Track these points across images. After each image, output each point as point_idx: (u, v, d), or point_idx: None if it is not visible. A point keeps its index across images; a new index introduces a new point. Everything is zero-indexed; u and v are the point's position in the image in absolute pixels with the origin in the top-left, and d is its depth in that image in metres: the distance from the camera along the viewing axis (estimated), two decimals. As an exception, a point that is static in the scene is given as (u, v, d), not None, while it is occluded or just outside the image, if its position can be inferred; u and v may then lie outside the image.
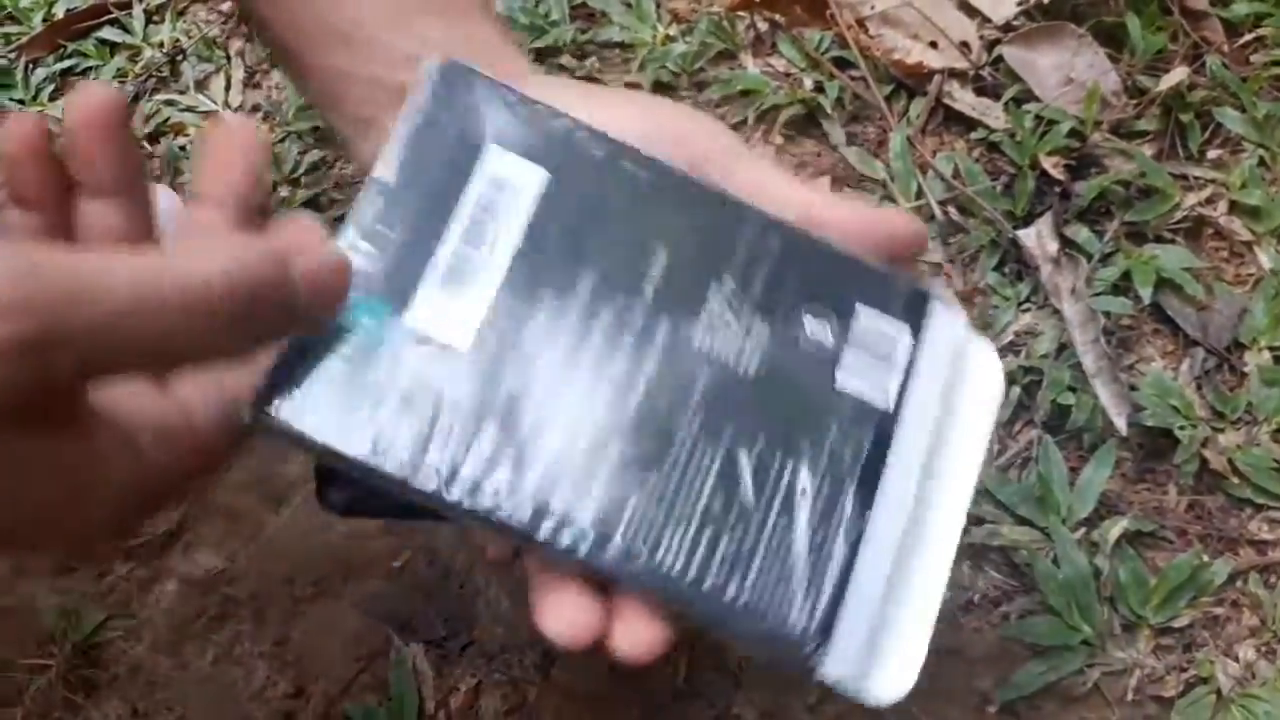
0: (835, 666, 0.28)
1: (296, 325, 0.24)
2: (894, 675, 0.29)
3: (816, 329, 0.31)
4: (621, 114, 0.33)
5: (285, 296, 0.22)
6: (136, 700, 0.56)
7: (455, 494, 0.27)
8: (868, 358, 0.31)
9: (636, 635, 0.28)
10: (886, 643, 0.29)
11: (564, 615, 0.27)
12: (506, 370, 0.29)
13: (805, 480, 0.30)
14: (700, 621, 0.28)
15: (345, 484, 0.33)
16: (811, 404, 0.30)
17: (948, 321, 0.32)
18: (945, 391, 0.31)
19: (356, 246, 0.28)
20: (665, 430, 0.29)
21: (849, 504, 0.30)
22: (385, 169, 0.29)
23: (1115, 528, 0.53)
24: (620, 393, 0.29)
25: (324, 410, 0.27)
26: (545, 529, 0.27)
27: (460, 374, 0.28)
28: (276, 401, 0.27)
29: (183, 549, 0.59)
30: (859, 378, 0.31)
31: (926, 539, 0.31)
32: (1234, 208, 0.64)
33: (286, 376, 0.27)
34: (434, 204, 0.29)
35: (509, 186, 0.30)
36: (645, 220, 0.31)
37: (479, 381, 0.28)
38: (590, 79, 0.73)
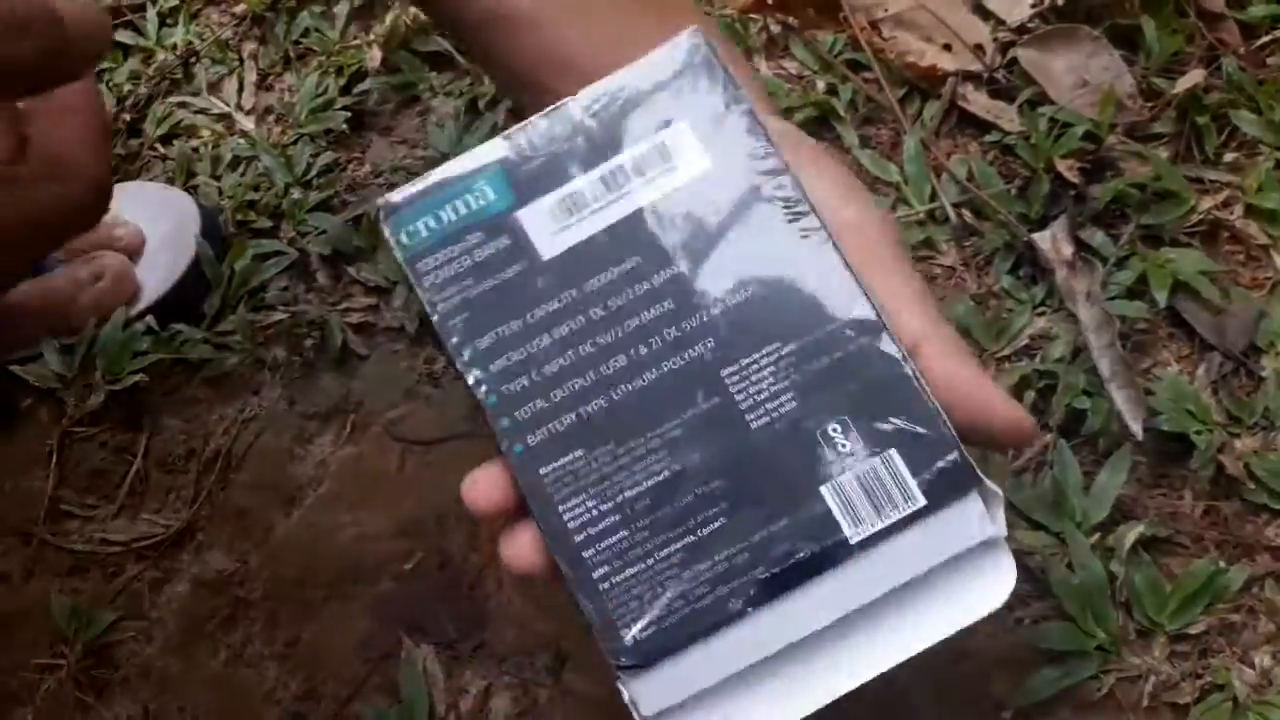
0: (638, 692, 0.30)
1: (67, 58, 0.27)
2: None
3: (840, 440, 0.31)
4: (811, 180, 0.33)
5: (53, 22, 0.26)
6: (148, 701, 0.56)
7: (465, 355, 0.31)
8: (864, 494, 0.31)
9: (517, 548, 0.31)
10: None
11: (481, 480, 0.31)
12: (560, 297, 0.32)
13: (732, 539, 0.30)
14: (561, 574, 0.31)
15: None
16: (783, 490, 0.31)
17: (978, 521, 0.31)
18: (932, 571, 0.31)
19: (520, 143, 0.33)
20: (646, 421, 0.31)
21: (753, 587, 0.30)
22: (584, 96, 0.33)
23: (1131, 533, 0.52)
24: (631, 367, 0.31)
25: (419, 235, 0.32)
26: (501, 424, 0.31)
27: (526, 278, 0.32)
28: (389, 208, 0.32)
29: (194, 550, 0.59)
30: (843, 501, 0.31)
31: (811, 670, 0.31)
32: (1250, 211, 0.63)
33: (408, 195, 0.32)
34: (602, 141, 0.33)
35: (670, 160, 0.32)
36: (758, 259, 0.32)
37: (533, 292, 0.32)
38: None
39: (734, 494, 0.31)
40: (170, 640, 0.57)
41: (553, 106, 0.33)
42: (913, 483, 0.31)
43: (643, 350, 0.31)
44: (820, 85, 0.72)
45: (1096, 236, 0.62)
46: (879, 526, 0.30)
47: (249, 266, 0.67)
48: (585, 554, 0.30)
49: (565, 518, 0.31)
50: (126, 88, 0.82)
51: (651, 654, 0.30)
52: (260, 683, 0.55)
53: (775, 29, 0.75)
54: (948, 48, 0.71)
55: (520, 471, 0.31)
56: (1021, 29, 0.71)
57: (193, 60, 0.83)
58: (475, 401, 0.32)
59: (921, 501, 0.31)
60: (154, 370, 0.64)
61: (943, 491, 0.31)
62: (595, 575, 0.30)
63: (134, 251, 0.67)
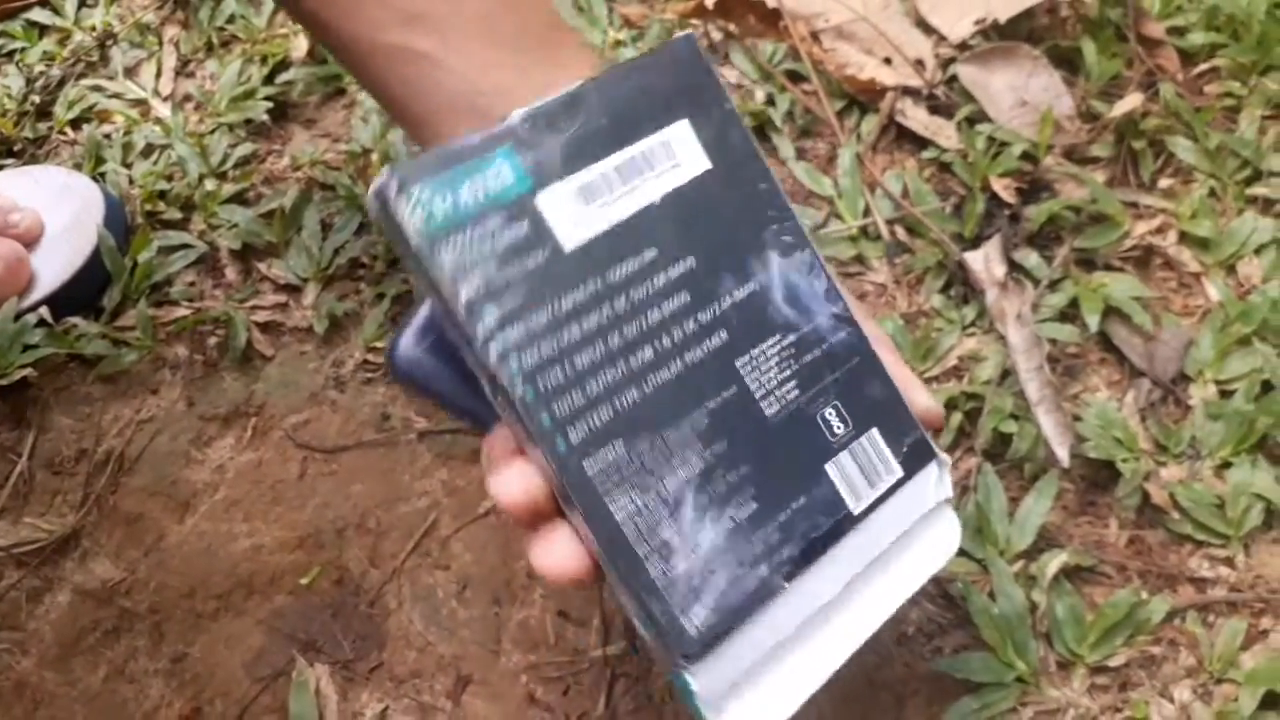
0: (698, 682, 0.31)
1: None
2: (760, 712, 0.32)
3: (835, 422, 0.34)
4: None
5: None
6: (20, 718, 0.52)
7: (495, 348, 0.29)
8: (858, 470, 0.34)
9: (558, 555, 0.30)
10: (751, 695, 0.32)
11: (513, 478, 0.30)
12: (585, 288, 0.31)
13: (760, 524, 0.32)
14: (612, 576, 0.30)
15: (423, 335, 0.34)
16: (798, 470, 0.33)
17: (935, 485, 0.36)
18: (904, 533, 0.35)
19: (535, 122, 0.31)
20: (677, 412, 0.31)
21: (782, 565, 0.32)
22: (595, 83, 0.32)
23: (1054, 562, 0.51)
24: (657, 358, 0.31)
25: (435, 214, 0.29)
26: (541, 420, 0.29)
27: (550, 268, 0.30)
28: (399, 185, 0.29)
29: (78, 557, 0.56)
30: (844, 477, 0.34)
31: (828, 635, 0.34)
32: (1184, 238, 0.63)
33: (421, 168, 0.29)
34: (614, 129, 0.32)
35: (674, 157, 0.33)
36: (758, 254, 0.33)
37: (558, 282, 0.30)
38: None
39: (759, 477, 0.32)
40: (47, 653, 0.53)
41: (565, 93, 0.32)
42: (892, 457, 0.35)
43: (666, 342, 0.32)
44: (759, 95, 0.70)
45: (1030, 258, 0.61)
46: (873, 497, 0.34)
47: (154, 259, 0.64)
48: (641, 551, 0.30)
49: (616, 515, 0.30)
50: (39, 68, 0.78)
51: (711, 640, 0.31)
52: (142, 700, 0.52)
53: (716, 36, 0.74)
54: (888, 61, 0.70)
55: (564, 469, 0.30)
56: (963, 45, 0.70)
57: (110, 43, 0.79)
58: (502, 399, 0.30)
59: (900, 472, 0.35)
60: (45, 365, 0.61)
61: (913, 462, 0.35)
62: (653, 572, 0.30)
63: (31, 239, 0.63)
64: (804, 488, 0.33)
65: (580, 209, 0.31)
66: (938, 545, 0.36)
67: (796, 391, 0.33)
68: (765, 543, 0.32)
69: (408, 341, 0.33)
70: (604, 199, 0.31)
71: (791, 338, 0.34)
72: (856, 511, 0.34)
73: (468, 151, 0.30)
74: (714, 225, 0.33)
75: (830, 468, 0.34)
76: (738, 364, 0.32)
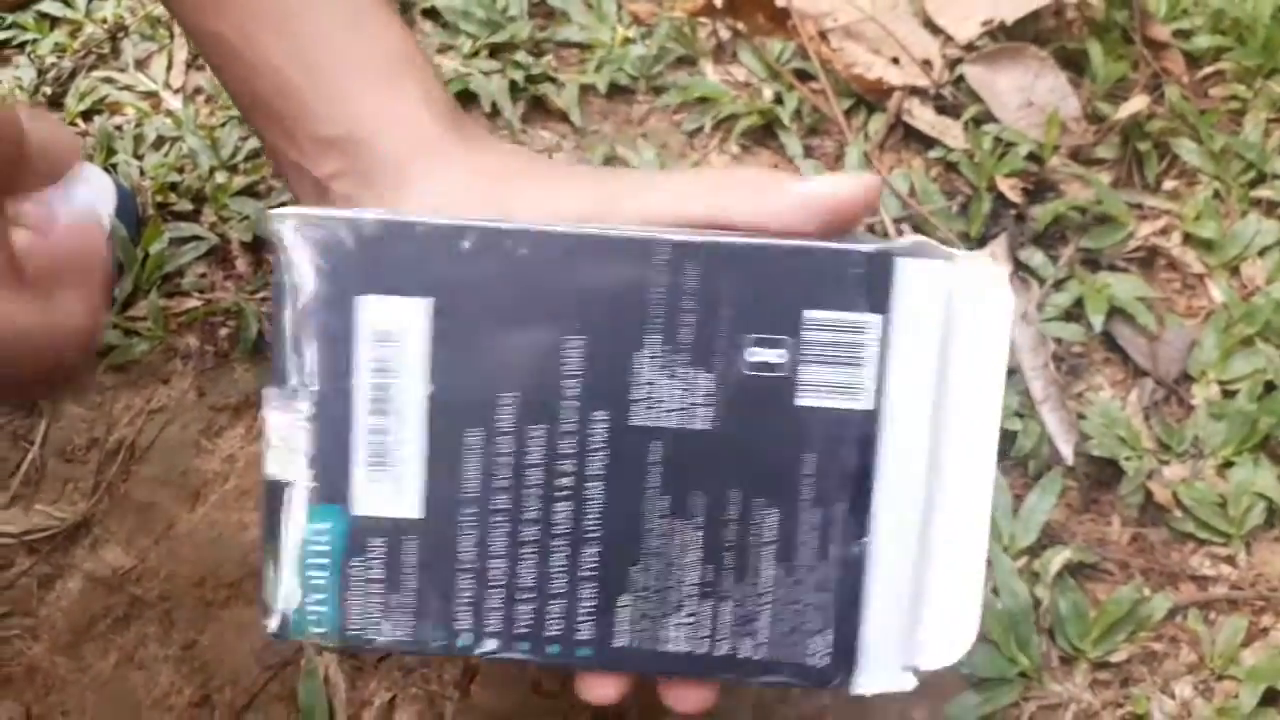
0: (871, 681, 0.28)
1: (25, 170, 0.27)
2: (948, 642, 0.29)
3: (765, 355, 0.27)
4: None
5: (13, 134, 0.26)
6: (31, 703, 0.53)
7: (460, 644, 0.29)
8: (829, 366, 0.27)
9: (685, 698, 0.30)
10: (930, 619, 0.29)
11: (595, 685, 0.30)
12: (467, 520, 0.29)
13: (794, 520, 0.28)
14: (725, 682, 0.29)
15: None
16: (779, 438, 0.27)
17: (924, 271, 0.26)
18: (942, 344, 0.27)
19: (286, 460, 0.29)
20: (635, 523, 0.28)
21: (845, 527, 0.28)
22: (276, 371, 0.29)
23: (1057, 558, 0.51)
24: (579, 504, 0.28)
25: (322, 617, 0.29)
26: (550, 652, 0.29)
27: (427, 541, 0.29)
28: (282, 620, 0.29)
29: (89, 545, 0.56)
30: (823, 392, 0.27)
31: (955, 493, 0.28)
32: (1188, 239, 0.63)
33: (279, 592, 0.29)
34: (331, 389, 0.28)
35: (394, 336, 0.28)
36: (547, 309, 0.27)
37: (447, 540, 0.29)
38: (546, 78, 0.72)
39: (756, 486, 0.28)
40: (59, 639, 0.54)
41: (271, 381, 0.29)
42: (848, 313, 0.26)
43: (565, 481, 0.28)
44: (767, 93, 0.70)
45: (1035, 257, 0.61)
46: (873, 374, 0.27)
47: (165, 250, 0.64)
48: (725, 651, 0.29)
49: (680, 647, 0.29)
50: (50, 60, 0.79)
51: (847, 649, 0.28)
52: (152, 687, 0.52)
53: (724, 34, 0.74)
54: (895, 61, 0.70)
55: (611, 667, 0.29)
56: (970, 46, 0.71)
57: (121, 35, 0.80)
58: (514, 663, 0.31)
59: (875, 317, 0.26)
60: (57, 354, 0.61)
61: (876, 289, 0.26)
62: (749, 655, 0.29)
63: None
64: (799, 446, 0.27)
65: (387, 478, 0.28)
66: (992, 313, 0.27)
67: (706, 375, 0.27)
68: (814, 529, 0.27)
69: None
70: (391, 445, 0.28)
71: (655, 340, 0.27)
72: (872, 405, 0.27)
73: (291, 549, 0.29)
74: (491, 340, 0.27)
75: (802, 401, 0.27)
76: (633, 423, 0.27)
